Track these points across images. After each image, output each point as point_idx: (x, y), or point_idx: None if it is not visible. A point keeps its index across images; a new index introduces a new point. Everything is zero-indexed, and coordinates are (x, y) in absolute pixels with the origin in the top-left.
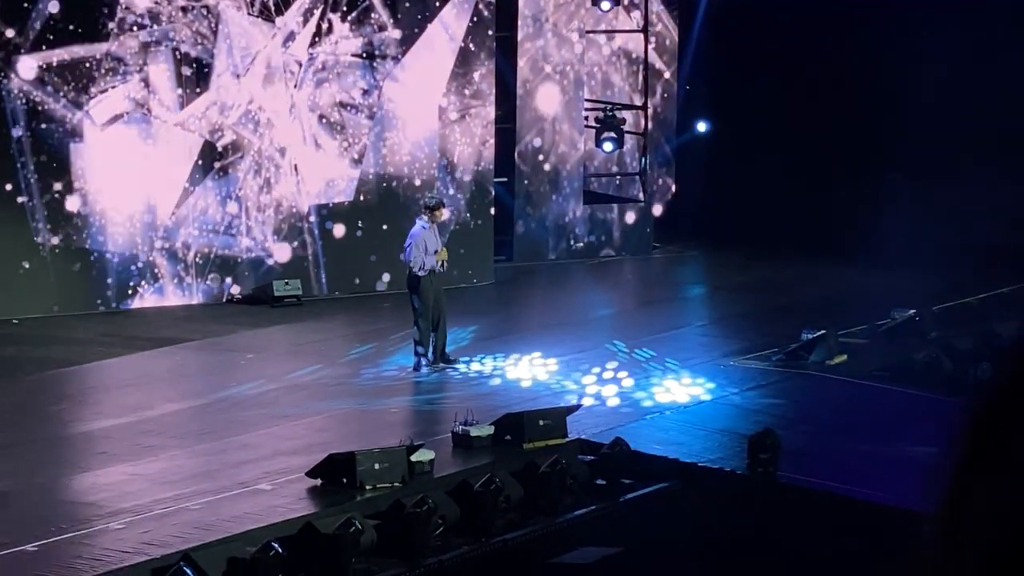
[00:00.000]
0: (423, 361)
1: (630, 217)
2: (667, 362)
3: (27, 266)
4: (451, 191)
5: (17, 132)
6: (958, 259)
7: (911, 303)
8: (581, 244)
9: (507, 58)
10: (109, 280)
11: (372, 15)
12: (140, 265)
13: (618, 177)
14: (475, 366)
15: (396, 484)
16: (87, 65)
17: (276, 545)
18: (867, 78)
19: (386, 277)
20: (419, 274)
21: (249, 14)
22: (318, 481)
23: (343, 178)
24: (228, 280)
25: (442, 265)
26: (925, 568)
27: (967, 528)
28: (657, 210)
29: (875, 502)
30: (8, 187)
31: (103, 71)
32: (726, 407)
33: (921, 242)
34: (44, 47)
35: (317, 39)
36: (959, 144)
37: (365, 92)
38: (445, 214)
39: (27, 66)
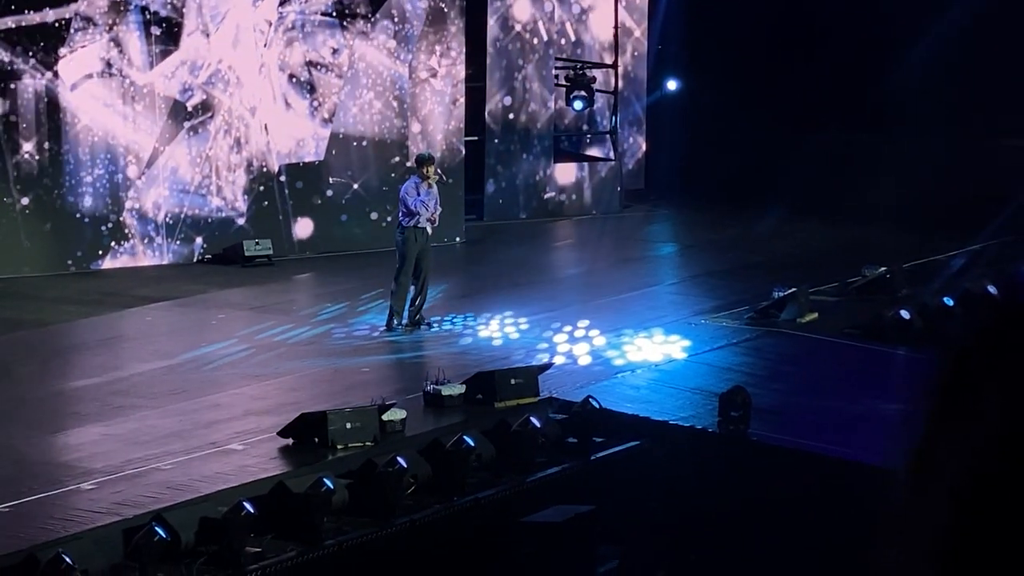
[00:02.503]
0: (394, 319)
1: (600, 175)
2: (638, 320)
3: None
4: (421, 150)
5: None
6: (930, 215)
7: (882, 260)
8: (551, 203)
9: (477, 17)
10: (80, 240)
11: None
12: (111, 225)
13: (589, 136)
14: (446, 325)
15: (368, 443)
16: (57, 25)
17: (248, 505)
18: (839, 33)
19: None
20: (404, 223)
21: None
22: (290, 441)
23: (313, 137)
24: (199, 240)
25: (433, 220)
26: (894, 522)
27: (936, 481)
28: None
29: (846, 459)
30: None
31: (73, 31)
32: (697, 365)
33: (893, 198)
34: (13, 7)
35: None
36: (934, 98)
37: (335, 51)
38: (432, 172)
39: None
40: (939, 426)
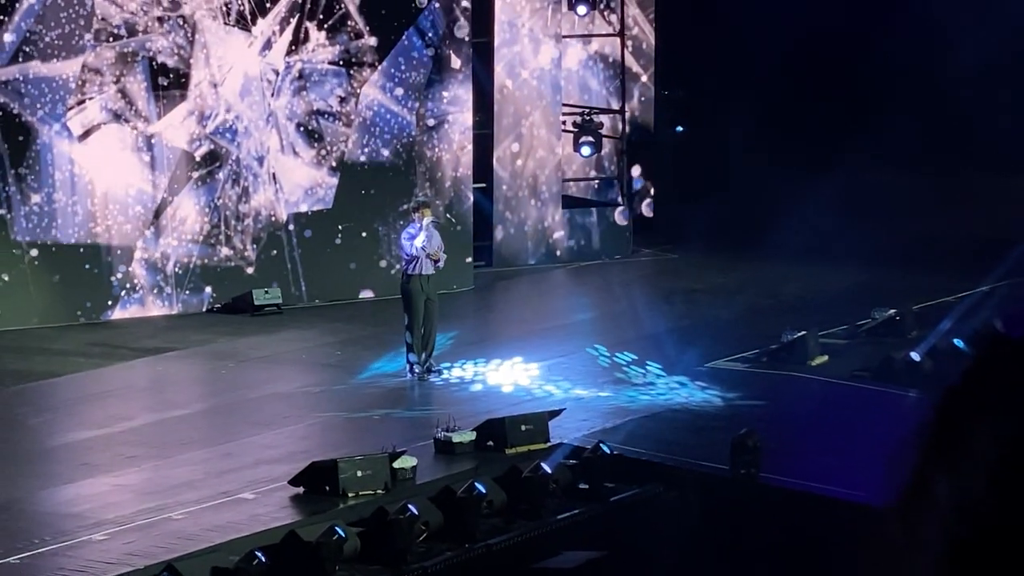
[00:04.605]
0: (415, 368)
1: (609, 220)
2: (648, 365)
3: (6, 279)
4: (430, 197)
5: None
6: (940, 256)
7: (892, 302)
8: (560, 248)
9: (484, 64)
10: (89, 291)
11: (348, 23)
12: (120, 276)
13: (596, 181)
14: (456, 372)
15: (379, 491)
16: (64, 77)
17: (260, 554)
18: (846, 74)
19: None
20: (408, 271)
21: (225, 23)
22: (301, 489)
23: (321, 186)
24: (208, 289)
25: (436, 258)
26: (888, 557)
27: (929, 516)
28: (646, 210)
29: (857, 502)
30: None
31: (80, 83)
32: (708, 409)
33: (902, 240)
34: (21, 59)
35: (294, 47)
36: (942, 139)
37: (342, 100)
38: (428, 215)
39: (3, 78)
40: (931, 463)
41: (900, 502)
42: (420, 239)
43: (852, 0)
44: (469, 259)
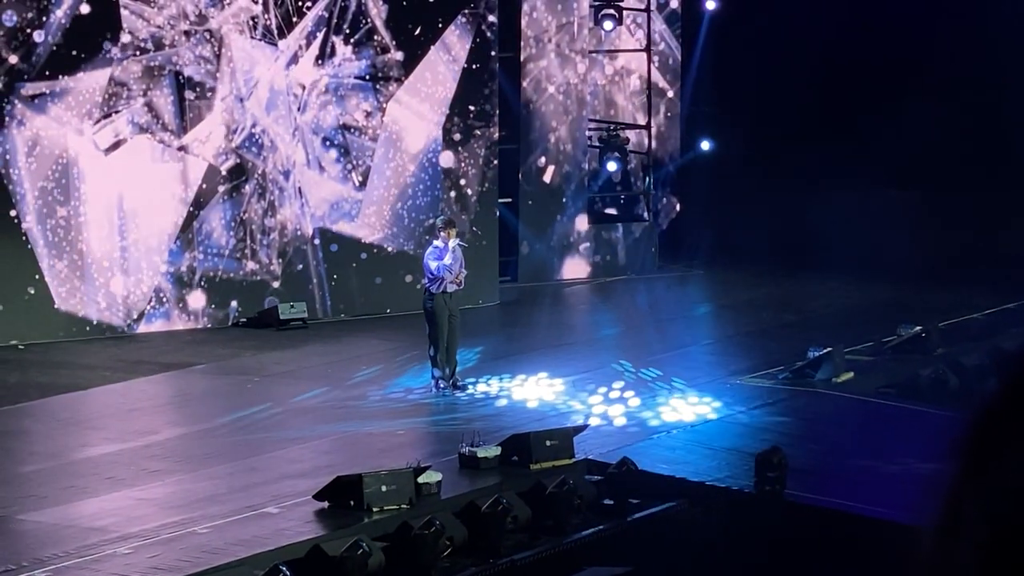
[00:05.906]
0: (440, 383)
1: (634, 236)
2: (674, 381)
3: (32, 292)
4: (455, 212)
5: (21, 158)
6: (966, 273)
7: (917, 319)
8: (586, 263)
9: (510, 78)
10: (114, 305)
11: (375, 37)
12: (145, 289)
13: (622, 196)
14: (481, 387)
15: (403, 506)
16: (90, 90)
17: (284, 568)
18: (869, 92)
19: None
20: (432, 289)
21: (252, 37)
22: (325, 504)
23: (347, 200)
24: (233, 303)
25: (459, 282)
26: None
27: (963, 537)
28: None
29: (883, 519)
30: (12, 213)
31: (106, 96)
32: (733, 425)
33: (928, 256)
34: (47, 73)
35: (320, 62)
36: (968, 155)
37: (368, 114)
38: (453, 235)
39: (30, 92)
40: (965, 484)
41: (934, 523)
42: (447, 259)
43: (880, 12)
44: (495, 274)
